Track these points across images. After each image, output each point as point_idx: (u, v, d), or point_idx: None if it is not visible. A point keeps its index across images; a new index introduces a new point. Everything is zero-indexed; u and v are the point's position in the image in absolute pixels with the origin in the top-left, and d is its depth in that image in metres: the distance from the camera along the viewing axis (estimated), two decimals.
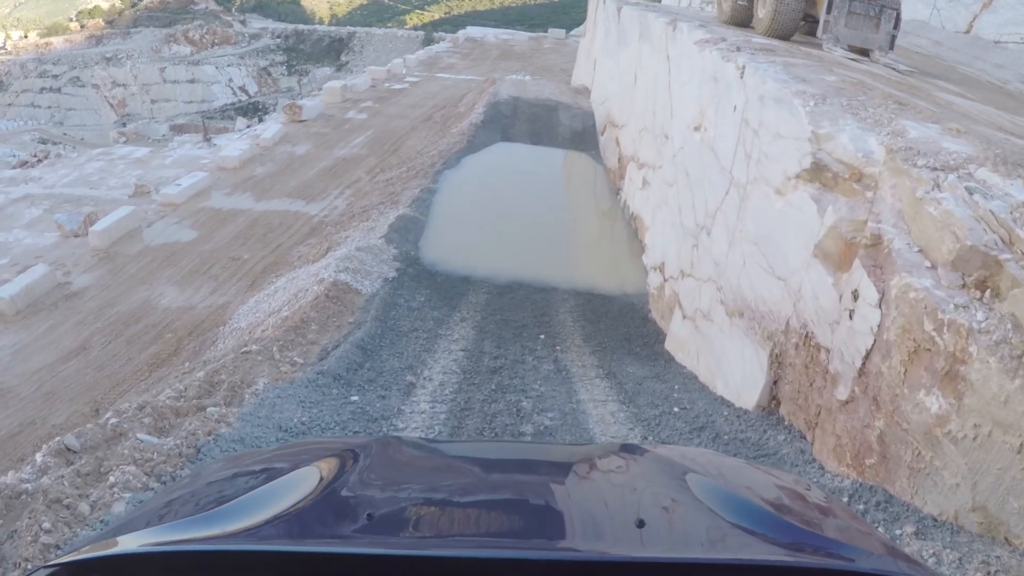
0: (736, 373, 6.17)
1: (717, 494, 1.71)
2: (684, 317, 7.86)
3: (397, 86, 25.07)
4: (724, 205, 6.91)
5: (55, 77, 60.70)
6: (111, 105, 57.53)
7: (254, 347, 6.99)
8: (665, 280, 9.11)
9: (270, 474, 1.82)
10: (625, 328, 9.22)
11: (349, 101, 22.92)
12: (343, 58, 57.70)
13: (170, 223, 15.56)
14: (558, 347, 8.17)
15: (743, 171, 6.49)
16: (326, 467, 1.83)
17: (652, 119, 12.51)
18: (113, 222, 14.79)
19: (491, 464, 2.06)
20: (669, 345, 8.37)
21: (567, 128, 17.99)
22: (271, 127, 20.35)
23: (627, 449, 2.52)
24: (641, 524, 1.48)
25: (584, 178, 16.12)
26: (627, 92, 15.04)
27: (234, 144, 19.25)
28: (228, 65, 59.60)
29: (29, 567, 3.27)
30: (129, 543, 1.43)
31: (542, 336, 8.44)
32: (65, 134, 51.37)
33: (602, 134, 17.14)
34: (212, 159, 18.72)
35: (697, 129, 8.28)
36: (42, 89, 58.81)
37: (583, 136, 17.64)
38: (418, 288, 9.78)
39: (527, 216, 13.30)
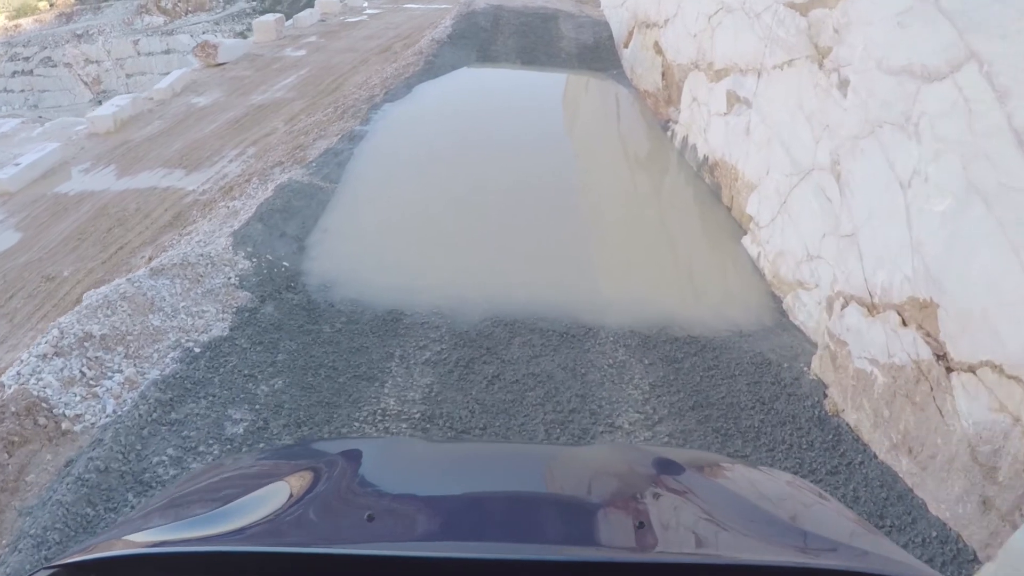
0: None
1: (716, 494, 1.56)
2: None
3: (352, 19, 18.49)
4: None
5: (26, 59, 53.72)
6: (85, 83, 50.46)
7: None
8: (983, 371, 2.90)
9: (272, 475, 1.62)
10: (816, 484, 3.17)
11: (288, 38, 16.43)
12: None
13: None
14: None
15: None
16: (328, 467, 1.60)
17: None
18: None
19: (492, 464, 1.80)
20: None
21: (572, 42, 11.57)
22: (173, 74, 13.89)
23: (628, 450, 2.34)
24: (641, 525, 1.34)
25: (605, 110, 9.80)
26: None
27: (113, 100, 12.84)
28: (203, 32, 52.16)
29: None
30: (129, 545, 1.27)
31: None
32: (40, 117, 44.79)
33: (626, 46, 10.76)
34: (86, 123, 12.35)
35: None
36: (14, 73, 51.63)
37: (596, 52, 11.26)
38: (256, 379, 3.67)
39: (516, 178, 7.01)
